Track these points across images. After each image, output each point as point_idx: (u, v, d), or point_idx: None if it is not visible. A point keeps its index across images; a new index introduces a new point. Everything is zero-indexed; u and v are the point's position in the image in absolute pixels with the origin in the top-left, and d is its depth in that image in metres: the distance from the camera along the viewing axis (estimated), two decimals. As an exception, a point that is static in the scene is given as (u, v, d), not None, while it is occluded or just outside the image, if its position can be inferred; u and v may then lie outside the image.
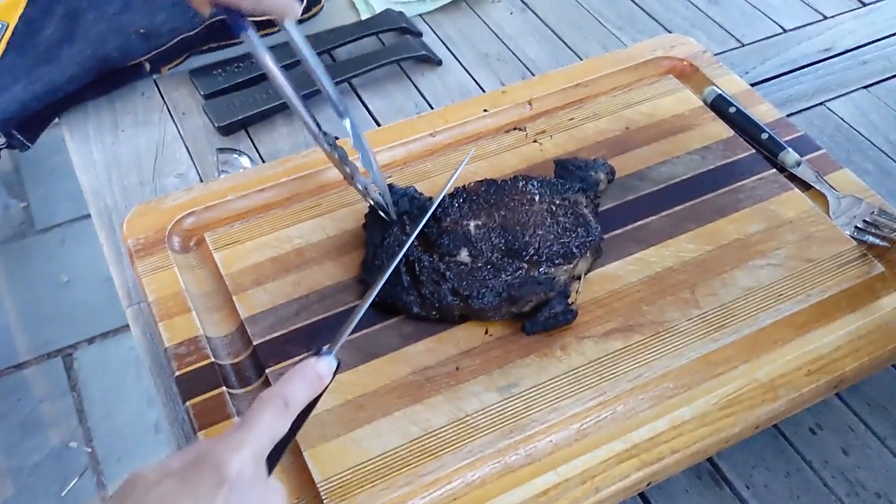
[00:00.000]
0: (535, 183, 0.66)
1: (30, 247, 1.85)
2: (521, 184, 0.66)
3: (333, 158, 0.64)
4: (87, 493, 1.48)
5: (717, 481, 0.60)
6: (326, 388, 0.49)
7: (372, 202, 0.65)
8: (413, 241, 0.63)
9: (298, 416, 0.46)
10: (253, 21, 0.58)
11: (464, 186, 0.66)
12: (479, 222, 0.63)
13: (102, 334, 1.69)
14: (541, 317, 0.61)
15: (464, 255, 0.62)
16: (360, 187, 0.65)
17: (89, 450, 1.54)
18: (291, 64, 0.80)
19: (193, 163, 0.81)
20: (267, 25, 0.84)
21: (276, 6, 0.56)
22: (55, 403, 1.60)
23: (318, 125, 0.62)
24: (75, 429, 1.56)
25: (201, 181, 0.79)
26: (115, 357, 1.66)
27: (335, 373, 0.49)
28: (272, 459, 0.44)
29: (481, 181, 0.67)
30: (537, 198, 0.65)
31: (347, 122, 0.63)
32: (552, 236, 0.63)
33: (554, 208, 0.64)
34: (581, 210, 0.65)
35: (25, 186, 1.95)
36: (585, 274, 0.64)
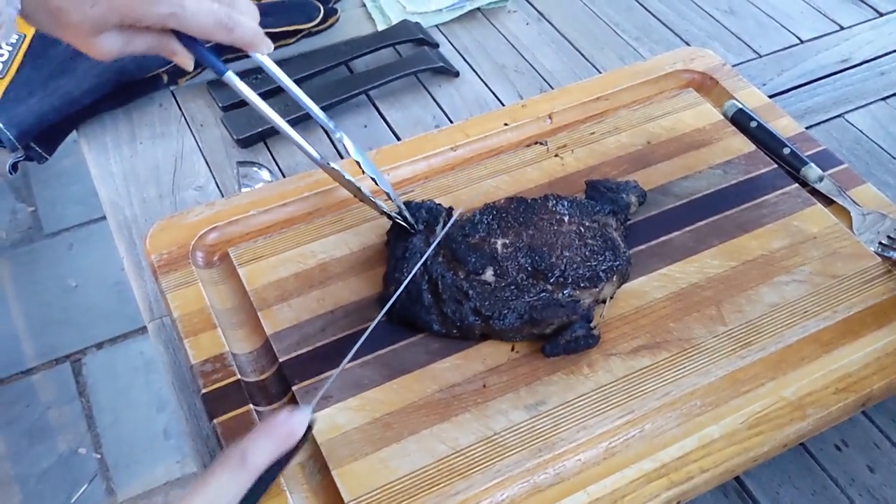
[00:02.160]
0: (566, 203, 0.66)
1: (38, 251, 1.84)
2: (551, 203, 0.66)
3: (342, 179, 0.64)
4: (96, 499, 1.48)
5: (744, 499, 0.60)
6: (302, 443, 0.47)
7: (389, 213, 0.65)
8: (437, 258, 0.63)
9: (269, 471, 0.45)
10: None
11: (493, 203, 0.66)
12: (507, 241, 0.63)
13: (111, 339, 1.69)
14: (561, 340, 0.60)
15: (489, 274, 0.62)
16: (376, 202, 0.65)
17: (98, 456, 1.54)
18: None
19: (212, 175, 0.81)
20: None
21: (246, 38, 0.57)
22: (63, 409, 1.60)
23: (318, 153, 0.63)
24: (84, 435, 1.56)
25: (221, 194, 0.79)
26: (123, 362, 1.66)
27: (309, 430, 0.48)
28: None
29: (511, 198, 0.67)
30: (566, 218, 0.65)
31: (343, 136, 0.64)
32: (579, 259, 0.63)
33: (583, 230, 0.64)
34: (610, 233, 0.65)
35: (33, 191, 1.95)
36: (611, 297, 0.64)
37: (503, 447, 0.56)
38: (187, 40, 0.56)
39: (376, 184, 0.65)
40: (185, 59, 0.58)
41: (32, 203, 1.93)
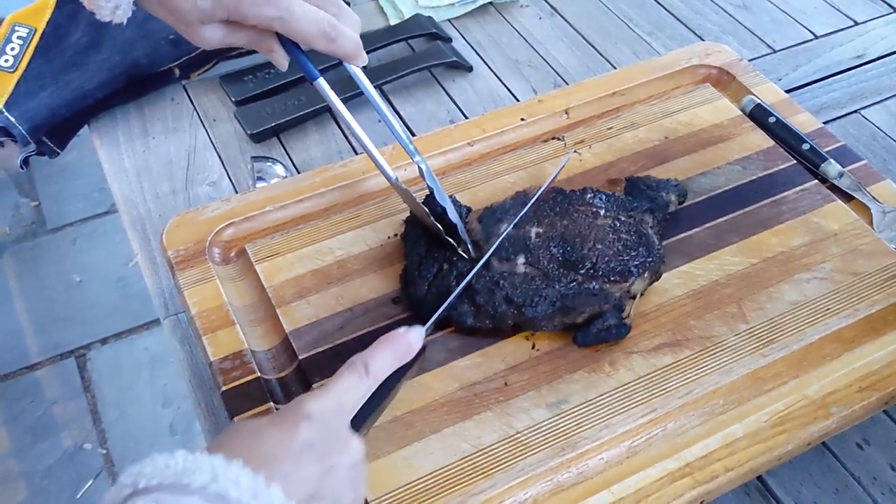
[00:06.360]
0: (603, 197, 0.66)
1: (41, 247, 1.84)
2: (588, 195, 0.66)
3: (412, 201, 0.64)
4: (102, 495, 1.47)
5: (766, 498, 0.60)
6: (418, 359, 0.51)
7: (451, 241, 0.64)
8: (466, 250, 0.63)
9: (386, 384, 0.48)
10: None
11: (524, 192, 0.66)
12: (541, 230, 0.63)
13: (116, 335, 1.68)
14: (593, 328, 0.60)
15: (520, 263, 0.62)
16: (440, 230, 0.64)
17: (104, 451, 1.53)
18: (332, 66, 0.80)
19: (226, 170, 0.80)
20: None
21: (347, 50, 0.59)
22: (68, 405, 1.60)
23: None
24: (89, 430, 1.56)
25: (234, 189, 0.78)
26: (128, 358, 1.65)
27: (423, 350, 0.51)
28: (357, 424, 0.45)
29: (549, 189, 0.67)
30: (602, 212, 0.64)
31: (422, 160, 0.64)
32: (611, 252, 0.62)
33: (618, 224, 0.64)
34: (645, 229, 0.65)
35: (36, 185, 1.94)
36: (641, 294, 0.64)
37: (526, 446, 0.56)
38: (286, 41, 0.58)
39: (445, 214, 0.63)
40: (281, 59, 0.59)
41: (36, 198, 1.92)
